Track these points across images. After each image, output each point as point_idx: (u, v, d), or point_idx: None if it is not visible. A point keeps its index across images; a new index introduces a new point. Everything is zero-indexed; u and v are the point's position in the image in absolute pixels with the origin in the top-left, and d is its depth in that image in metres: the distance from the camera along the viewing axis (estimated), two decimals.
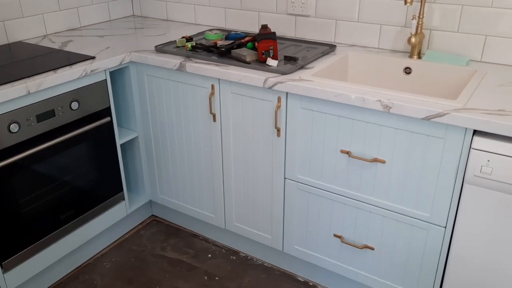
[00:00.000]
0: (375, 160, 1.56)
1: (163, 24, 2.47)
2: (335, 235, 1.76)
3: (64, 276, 2.01)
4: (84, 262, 2.09)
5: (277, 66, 1.74)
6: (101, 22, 2.52)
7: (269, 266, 2.07)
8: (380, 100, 1.47)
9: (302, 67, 1.75)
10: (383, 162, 1.55)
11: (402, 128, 1.48)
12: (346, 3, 1.99)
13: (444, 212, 1.50)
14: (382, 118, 1.50)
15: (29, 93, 1.63)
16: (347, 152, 1.61)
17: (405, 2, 1.68)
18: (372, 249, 1.69)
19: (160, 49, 1.97)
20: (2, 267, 1.70)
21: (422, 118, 1.41)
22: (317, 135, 1.66)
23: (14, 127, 1.62)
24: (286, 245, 1.92)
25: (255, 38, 1.86)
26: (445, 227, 1.52)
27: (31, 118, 1.67)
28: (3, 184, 1.64)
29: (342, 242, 1.75)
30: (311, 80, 1.62)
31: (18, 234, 1.73)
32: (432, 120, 1.40)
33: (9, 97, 1.57)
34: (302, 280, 1.99)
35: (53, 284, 1.97)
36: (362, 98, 1.49)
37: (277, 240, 1.93)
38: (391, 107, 1.45)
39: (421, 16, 1.78)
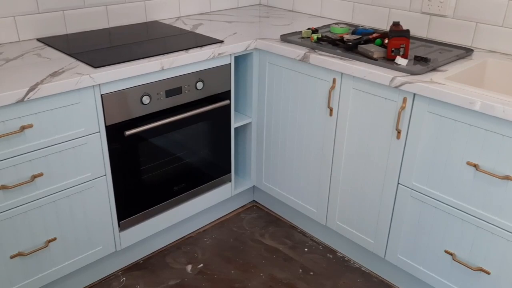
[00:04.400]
0: (507, 177, 1.42)
1: (289, 15, 2.49)
2: (446, 252, 1.64)
3: (169, 244, 2.14)
4: (187, 234, 2.20)
5: (407, 65, 1.65)
6: (230, 9, 2.61)
7: (367, 271, 2.00)
8: None
9: (433, 69, 1.65)
10: None
11: None
12: (491, 5, 1.82)
13: None
14: None
15: (162, 69, 1.74)
16: (475, 165, 1.49)
17: None
18: (488, 273, 1.55)
19: (285, 38, 1.98)
20: (119, 226, 1.85)
21: None
22: (442, 143, 1.55)
23: (146, 99, 1.74)
24: (388, 253, 1.84)
25: (386, 34, 1.79)
26: None
27: (161, 93, 1.79)
28: (130, 150, 1.78)
29: (453, 260, 1.63)
30: (443, 83, 1.52)
31: (136, 197, 1.87)
32: None
33: (146, 71, 1.69)
34: None
35: (158, 250, 2.10)
36: (501, 109, 1.36)
37: (380, 246, 1.86)
38: None
39: None
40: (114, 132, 1.71)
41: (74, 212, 1.69)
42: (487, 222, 1.51)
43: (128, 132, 1.72)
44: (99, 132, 1.66)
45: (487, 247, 1.53)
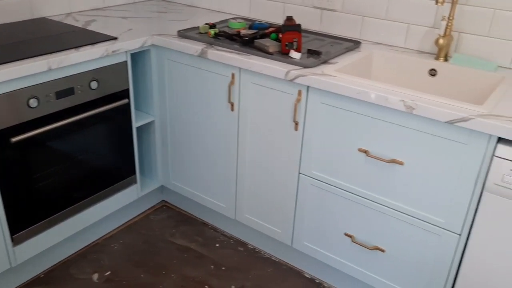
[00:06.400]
0: (393, 161, 1.53)
1: (187, 10, 2.45)
2: (346, 234, 1.74)
3: (73, 254, 2.02)
4: (93, 242, 2.10)
5: (300, 59, 1.71)
6: (125, 4, 2.51)
7: (277, 260, 2.06)
8: (403, 100, 1.43)
9: (325, 62, 1.72)
10: (401, 163, 1.52)
11: (424, 130, 1.44)
12: None
13: (460, 219, 1.47)
14: (404, 119, 1.47)
15: (50, 69, 1.63)
16: (365, 151, 1.58)
17: (436, 2, 1.64)
18: (383, 251, 1.66)
19: (183, 34, 1.95)
20: (12, 240, 1.71)
21: (446, 122, 1.38)
22: (335, 132, 1.63)
23: (33, 102, 1.62)
24: (295, 241, 1.90)
25: (279, 29, 1.83)
26: (460, 235, 1.49)
27: (50, 95, 1.67)
28: (19, 158, 1.65)
29: (352, 241, 1.73)
30: (334, 75, 1.59)
31: (30, 208, 1.74)
32: (455, 124, 1.37)
33: (30, 72, 1.57)
34: (309, 277, 1.97)
35: (61, 261, 1.98)
36: (385, 97, 1.46)
37: (287, 235, 1.91)
38: (414, 108, 1.42)
39: (451, 18, 1.74)
40: None
41: None
42: (378, 203, 1.62)
43: (14, 139, 1.59)
44: None
45: (380, 227, 1.64)
